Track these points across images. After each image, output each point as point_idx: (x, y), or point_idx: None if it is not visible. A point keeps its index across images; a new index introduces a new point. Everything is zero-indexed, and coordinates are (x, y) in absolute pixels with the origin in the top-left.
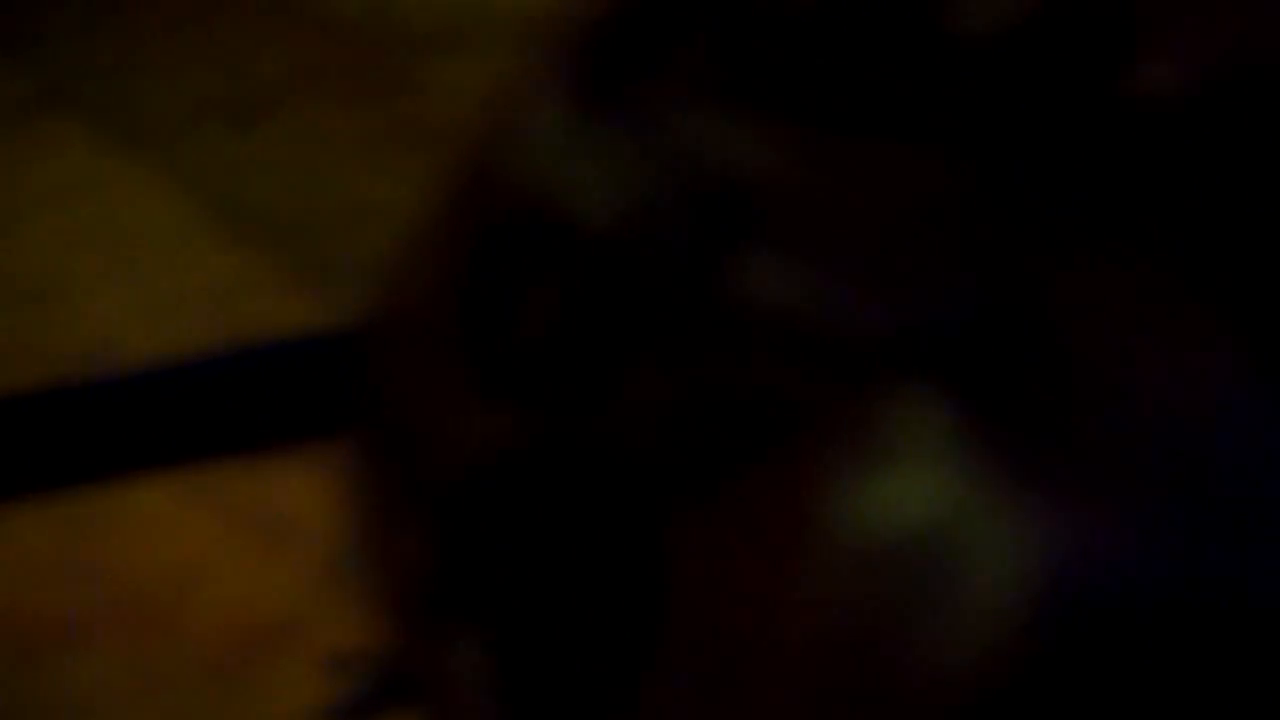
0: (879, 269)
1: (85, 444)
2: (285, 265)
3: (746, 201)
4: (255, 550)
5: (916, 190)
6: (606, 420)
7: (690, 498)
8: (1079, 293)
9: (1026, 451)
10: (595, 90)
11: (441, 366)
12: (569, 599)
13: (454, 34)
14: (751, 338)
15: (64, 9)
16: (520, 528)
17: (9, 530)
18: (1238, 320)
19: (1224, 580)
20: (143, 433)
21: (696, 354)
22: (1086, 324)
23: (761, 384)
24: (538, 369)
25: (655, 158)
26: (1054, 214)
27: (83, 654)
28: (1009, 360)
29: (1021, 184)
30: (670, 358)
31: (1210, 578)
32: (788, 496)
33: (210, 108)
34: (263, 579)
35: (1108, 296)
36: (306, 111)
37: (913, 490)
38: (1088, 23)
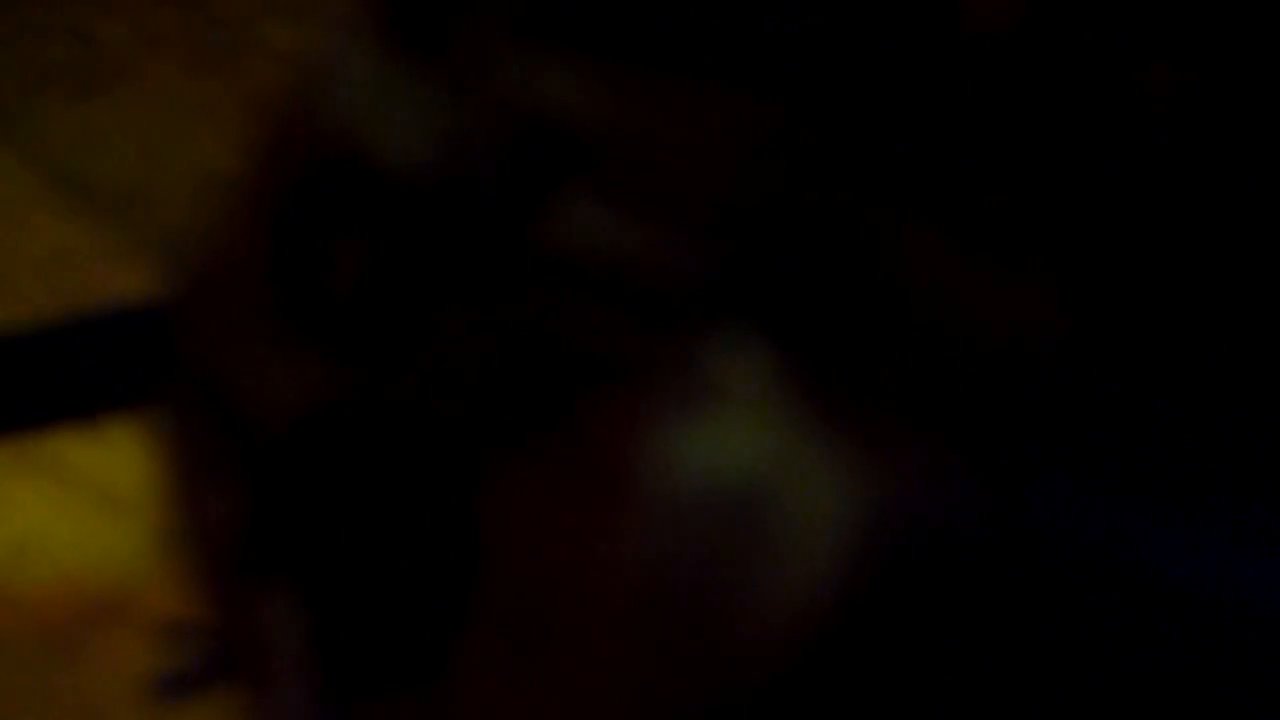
0: (700, 214)
1: None
2: (126, 234)
3: (564, 146)
4: (89, 520)
5: (742, 134)
6: (418, 372)
7: (505, 449)
8: (901, 235)
9: (845, 395)
10: (407, 34)
11: (252, 322)
12: (382, 557)
13: (298, 0)
14: (568, 284)
15: None
16: (332, 484)
17: None
18: (1060, 263)
19: (1033, 516)
20: None
21: (510, 301)
22: (907, 268)
23: (577, 331)
24: (348, 321)
25: (470, 101)
26: (881, 156)
27: None
28: (828, 305)
29: (851, 128)
30: (483, 306)
31: (1020, 514)
32: (604, 446)
33: (52, 78)
34: (97, 548)
35: (930, 240)
36: (149, 80)
37: (732, 436)
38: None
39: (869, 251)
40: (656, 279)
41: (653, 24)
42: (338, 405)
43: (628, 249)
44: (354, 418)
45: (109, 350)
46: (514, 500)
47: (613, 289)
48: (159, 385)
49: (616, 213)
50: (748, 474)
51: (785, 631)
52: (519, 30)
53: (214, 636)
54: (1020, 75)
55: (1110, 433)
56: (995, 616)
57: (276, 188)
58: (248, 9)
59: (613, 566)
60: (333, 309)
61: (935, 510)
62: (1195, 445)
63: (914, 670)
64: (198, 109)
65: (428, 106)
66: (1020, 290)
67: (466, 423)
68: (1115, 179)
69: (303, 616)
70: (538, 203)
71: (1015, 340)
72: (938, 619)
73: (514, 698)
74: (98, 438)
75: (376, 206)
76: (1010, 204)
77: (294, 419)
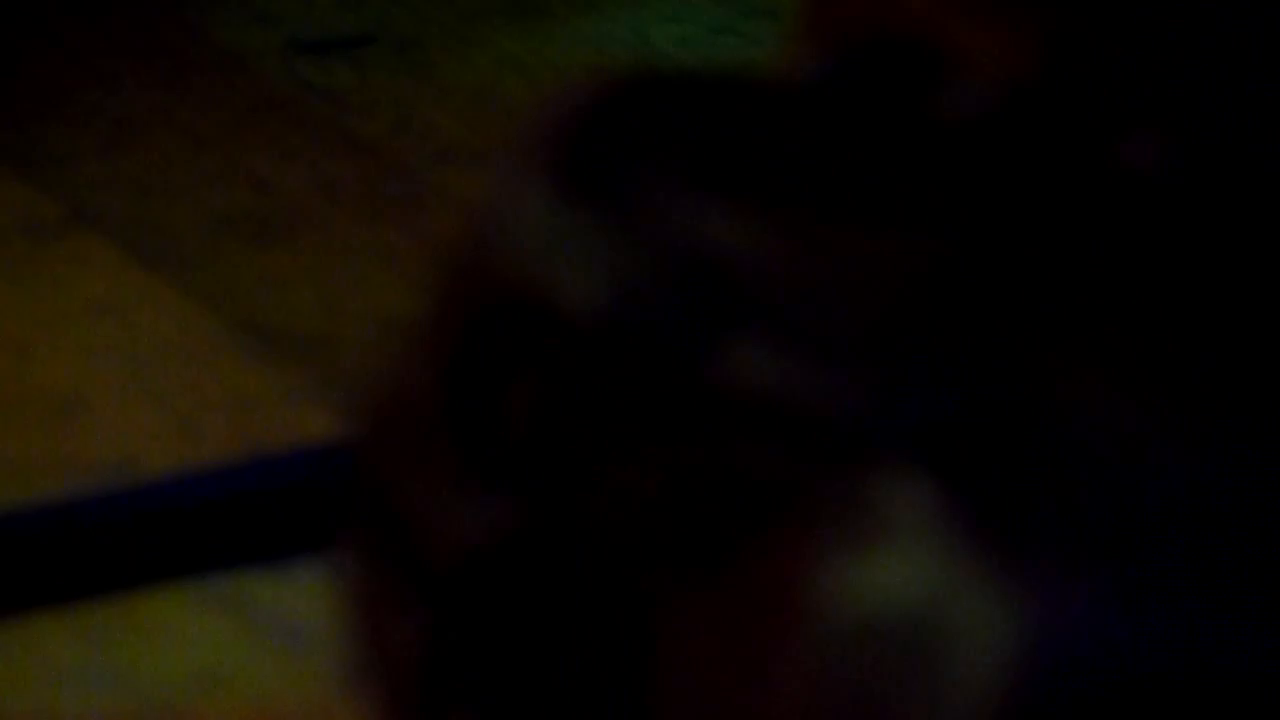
0: (864, 353)
1: (106, 555)
2: (308, 379)
3: (731, 287)
4: (273, 657)
5: (902, 275)
6: (595, 506)
7: (678, 581)
8: (1061, 376)
9: (1007, 532)
10: (578, 178)
11: (431, 458)
12: (561, 684)
13: (474, 146)
14: (738, 421)
15: (89, 130)
16: (511, 614)
17: (31, 639)
18: (1225, 403)
19: (1197, 655)
20: (162, 543)
21: (683, 438)
22: (1067, 406)
23: (748, 467)
24: (526, 457)
25: (639, 244)
26: (1040, 294)
27: None
28: (991, 443)
29: (1007, 266)
30: (656, 442)
31: (1183, 652)
32: (775, 577)
33: (233, 225)
34: (280, 685)
35: (1089, 378)
36: (328, 226)
37: (898, 570)
38: (1070, 103)
39: (1029, 386)
40: (823, 416)
41: (817, 169)
42: (514, 540)
43: (795, 388)
44: (531, 552)
45: (293, 491)
46: (687, 633)
47: (781, 427)
48: (342, 523)
49: (784, 352)
50: (912, 606)
51: None
52: (686, 175)
53: None
54: (1172, 220)
55: (1266, 567)
56: None
57: (453, 329)
58: (425, 157)
59: (784, 696)
60: (508, 447)
61: (1094, 646)
62: None
63: None
64: (376, 256)
65: (600, 250)
66: (1172, 431)
67: (640, 558)
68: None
69: None
70: (708, 344)
71: (1166, 481)
72: None
73: None
74: (284, 576)
75: (550, 347)
76: (1169, 340)
77: (472, 553)
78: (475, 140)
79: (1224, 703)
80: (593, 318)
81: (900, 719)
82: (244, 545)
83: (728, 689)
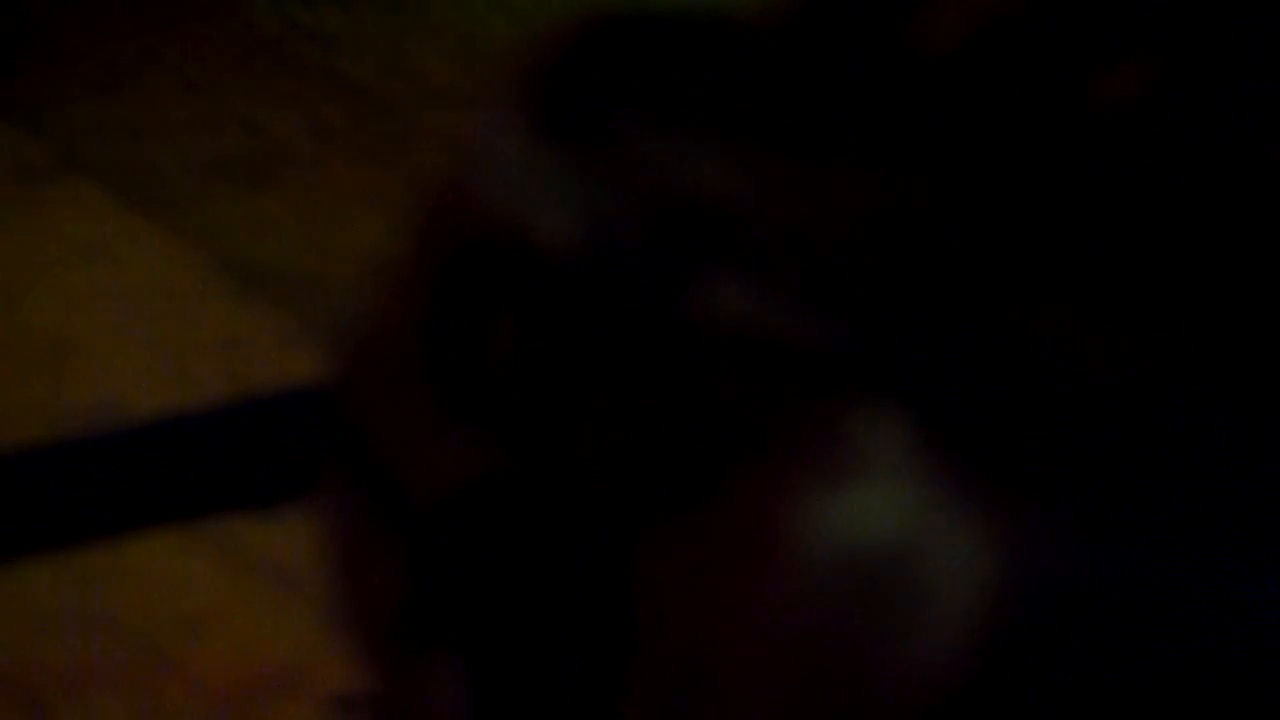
0: (841, 289)
1: (94, 499)
2: (296, 319)
3: (709, 223)
4: (260, 599)
5: (878, 212)
6: (574, 443)
7: (658, 517)
8: (1041, 310)
9: (983, 466)
10: (556, 117)
11: (410, 398)
12: (541, 622)
13: (464, 87)
14: (716, 358)
15: (80, 76)
16: (491, 553)
17: (19, 584)
18: (1197, 333)
19: (1170, 586)
20: (150, 486)
21: (661, 374)
22: (1046, 341)
23: (726, 402)
24: (504, 395)
25: (616, 183)
26: (1020, 230)
27: (92, 703)
28: (969, 377)
29: (989, 201)
30: (635, 378)
31: (1157, 583)
32: (755, 512)
33: (222, 168)
34: (267, 626)
35: (1070, 313)
36: (317, 168)
37: (875, 503)
38: (1049, 35)
39: (1003, 323)
40: (801, 353)
41: (794, 106)
42: (493, 478)
43: (773, 324)
44: (509, 490)
45: (280, 432)
46: (667, 567)
47: (760, 363)
48: (324, 464)
49: (761, 289)
50: (889, 538)
51: (928, 686)
52: (663, 115)
53: (380, 706)
54: (1146, 150)
55: (1234, 496)
56: (1124, 673)
57: (432, 268)
58: (414, 99)
59: (764, 629)
60: (489, 383)
61: (1067, 571)
62: None
63: None
64: (365, 197)
65: (577, 189)
66: (1152, 365)
67: (620, 494)
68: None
69: (464, 684)
70: (686, 282)
71: (1147, 410)
72: (1069, 675)
73: None
74: (270, 517)
75: (528, 285)
76: (1145, 281)
77: (451, 491)
78: (465, 82)
79: (1196, 632)
80: (570, 256)
81: (879, 649)
82: (232, 488)
83: (709, 623)
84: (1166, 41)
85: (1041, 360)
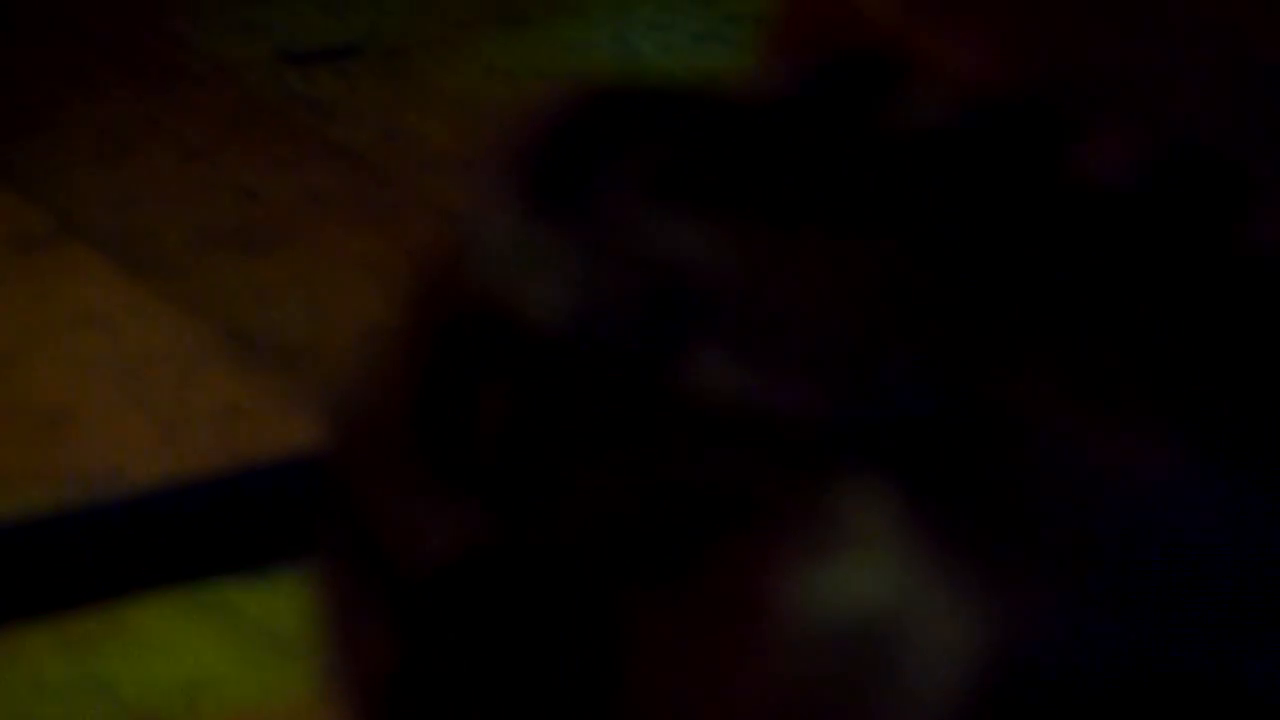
0: (826, 361)
1: (92, 565)
2: (294, 387)
3: (695, 297)
4: (258, 666)
5: (864, 284)
6: (562, 515)
7: (645, 589)
8: (1023, 381)
9: (969, 536)
10: (545, 191)
11: (400, 469)
12: (529, 692)
13: (461, 154)
14: (702, 430)
15: (77, 141)
16: (480, 623)
17: (20, 651)
18: (1185, 406)
19: (1158, 657)
20: (149, 553)
21: (648, 447)
22: (1029, 412)
23: (713, 475)
24: (495, 468)
25: (604, 256)
26: (1001, 301)
27: None
28: (953, 448)
29: (970, 272)
30: (622, 452)
31: (1143, 655)
32: (740, 584)
33: (220, 235)
34: (263, 690)
35: (1051, 384)
36: (315, 236)
37: (861, 576)
38: (1029, 113)
39: (989, 394)
40: (785, 425)
41: (778, 181)
42: (483, 549)
43: (758, 396)
44: (499, 561)
45: (277, 500)
46: (654, 641)
47: (746, 435)
48: (319, 532)
49: (747, 361)
50: (875, 611)
51: None
52: (651, 187)
53: None
54: (1135, 226)
55: (1223, 569)
56: None
57: (425, 340)
58: (412, 166)
59: (748, 701)
60: (477, 454)
61: (1058, 651)
62: None
63: None
64: (363, 265)
65: (566, 262)
66: (1134, 436)
67: (608, 565)
68: (1228, 333)
69: None
70: (672, 353)
71: (1127, 485)
72: None
73: None
74: (269, 584)
75: (518, 357)
76: (1124, 351)
77: (441, 563)
78: (462, 149)
79: (1187, 707)
80: (559, 329)
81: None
82: (230, 554)
83: (695, 696)
84: (1152, 115)
85: (1026, 431)
